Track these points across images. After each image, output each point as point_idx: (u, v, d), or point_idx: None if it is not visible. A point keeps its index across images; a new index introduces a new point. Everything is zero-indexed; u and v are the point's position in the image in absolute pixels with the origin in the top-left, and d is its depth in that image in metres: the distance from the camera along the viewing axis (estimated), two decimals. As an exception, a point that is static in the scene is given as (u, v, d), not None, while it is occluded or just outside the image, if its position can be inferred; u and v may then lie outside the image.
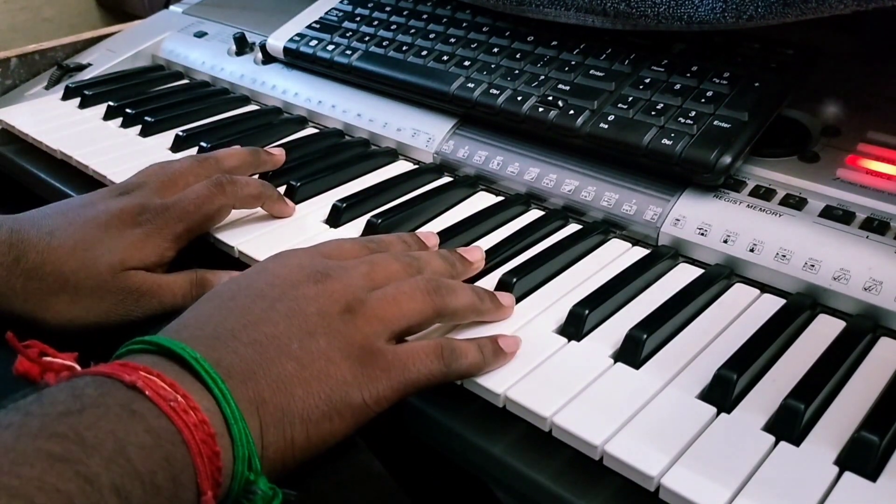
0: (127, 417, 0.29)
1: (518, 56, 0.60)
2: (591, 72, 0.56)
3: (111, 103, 0.74)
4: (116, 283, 0.46)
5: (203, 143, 0.64)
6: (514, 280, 0.44)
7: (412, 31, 0.68)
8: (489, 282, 0.46)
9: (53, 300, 0.45)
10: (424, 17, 0.69)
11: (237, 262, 0.51)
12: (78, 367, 0.33)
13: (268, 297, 0.37)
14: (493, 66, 0.61)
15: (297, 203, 0.56)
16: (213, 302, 0.37)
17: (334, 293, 0.37)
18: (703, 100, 0.51)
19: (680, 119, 0.50)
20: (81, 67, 0.85)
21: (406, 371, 0.36)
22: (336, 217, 0.54)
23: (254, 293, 0.37)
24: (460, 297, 0.41)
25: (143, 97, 0.76)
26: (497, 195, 0.57)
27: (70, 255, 0.46)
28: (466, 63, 0.62)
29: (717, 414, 0.36)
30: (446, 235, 0.50)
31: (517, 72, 0.59)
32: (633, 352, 0.39)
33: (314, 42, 0.72)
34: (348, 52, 0.69)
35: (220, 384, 0.32)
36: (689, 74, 0.53)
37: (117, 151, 0.66)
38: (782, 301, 0.44)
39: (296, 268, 0.39)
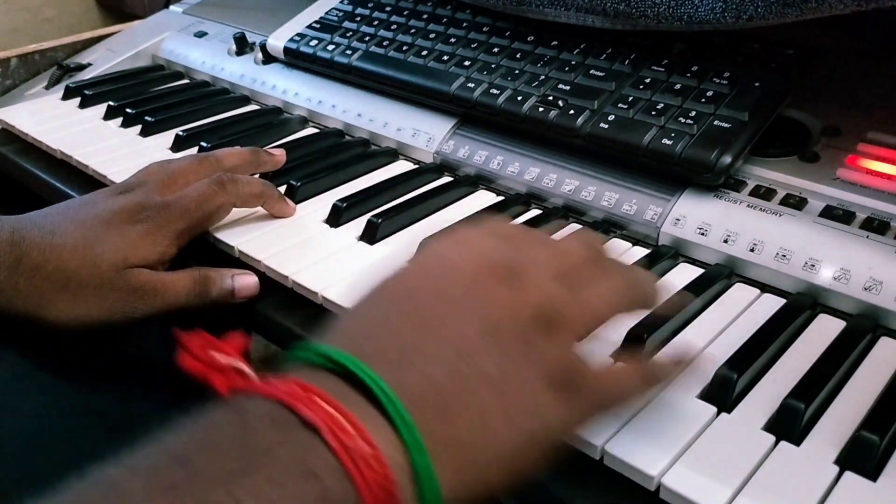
0: (300, 479, 0.24)
1: (518, 56, 0.60)
2: (592, 72, 0.56)
3: (111, 103, 0.74)
4: (119, 281, 0.46)
5: (203, 143, 0.64)
6: None
7: (412, 30, 0.68)
8: (489, 281, 0.46)
9: (56, 298, 0.45)
10: (425, 17, 0.69)
11: (237, 262, 0.51)
12: (248, 370, 0.29)
13: (450, 298, 0.31)
14: (493, 66, 0.61)
15: (297, 203, 0.56)
16: (386, 302, 0.32)
17: (528, 297, 0.31)
18: (703, 100, 0.51)
19: (680, 119, 0.50)
20: (81, 67, 0.85)
21: (605, 396, 0.32)
22: (336, 217, 0.54)
23: (432, 290, 0.31)
24: (656, 293, 0.38)
25: (143, 97, 0.76)
26: (497, 195, 0.57)
27: (72, 253, 0.45)
28: (467, 63, 0.62)
29: (718, 413, 0.36)
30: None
31: (517, 72, 0.59)
32: (633, 352, 0.39)
33: (314, 42, 0.72)
34: (348, 51, 0.69)
35: (413, 432, 0.26)
36: (689, 74, 0.53)
37: (117, 151, 0.66)
38: (782, 301, 0.44)
39: (476, 256, 0.33)
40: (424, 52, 0.65)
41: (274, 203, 0.54)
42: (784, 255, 0.44)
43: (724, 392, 0.36)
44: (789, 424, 0.34)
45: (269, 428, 0.25)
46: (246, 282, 0.49)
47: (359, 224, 0.53)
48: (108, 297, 0.46)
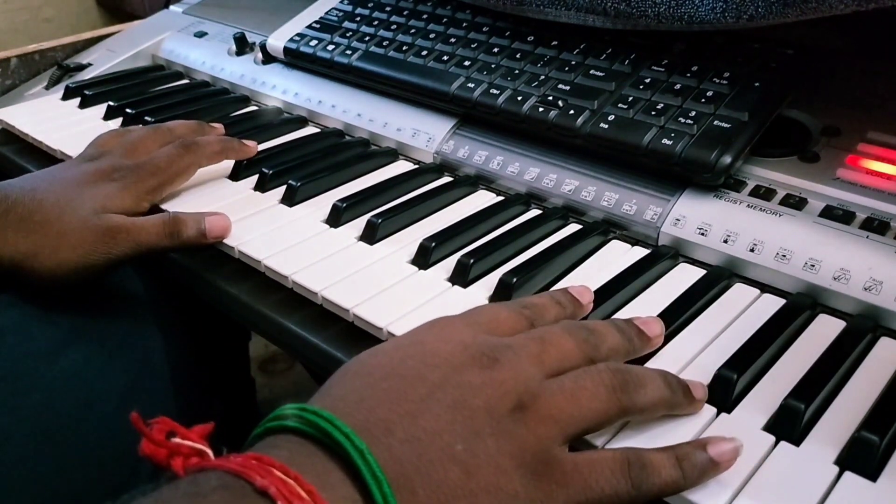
0: None
1: (518, 56, 0.60)
2: (592, 72, 0.56)
3: (111, 103, 0.74)
4: (97, 223, 0.50)
5: (203, 143, 0.64)
6: (514, 280, 0.44)
7: (412, 31, 0.68)
8: (489, 282, 0.46)
9: (41, 246, 0.49)
10: (424, 17, 0.69)
11: (237, 262, 0.51)
12: (209, 452, 0.28)
13: (427, 382, 0.31)
14: (493, 66, 0.61)
15: (296, 203, 0.56)
16: (361, 379, 0.32)
17: (504, 383, 0.31)
18: (703, 100, 0.51)
19: (680, 119, 0.50)
20: (81, 67, 0.85)
21: (587, 489, 0.30)
22: (336, 217, 0.54)
23: (411, 374, 0.31)
24: (649, 392, 0.34)
25: (143, 97, 0.76)
26: (497, 195, 0.57)
27: (54, 206, 0.50)
28: (466, 63, 0.62)
29: (718, 414, 0.36)
30: (446, 235, 0.50)
31: (517, 72, 0.59)
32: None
33: (314, 42, 0.72)
34: (348, 51, 0.69)
35: (384, 488, 0.27)
36: (689, 74, 0.53)
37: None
38: (782, 301, 0.44)
39: (458, 346, 0.33)
40: (424, 52, 0.65)
41: (237, 152, 0.60)
42: (784, 255, 0.44)
43: (724, 392, 0.36)
44: (789, 424, 0.34)
45: (220, 495, 0.25)
46: (217, 222, 0.51)
47: (359, 224, 0.53)
48: (86, 238, 0.49)
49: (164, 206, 0.56)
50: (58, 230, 0.49)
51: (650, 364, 0.39)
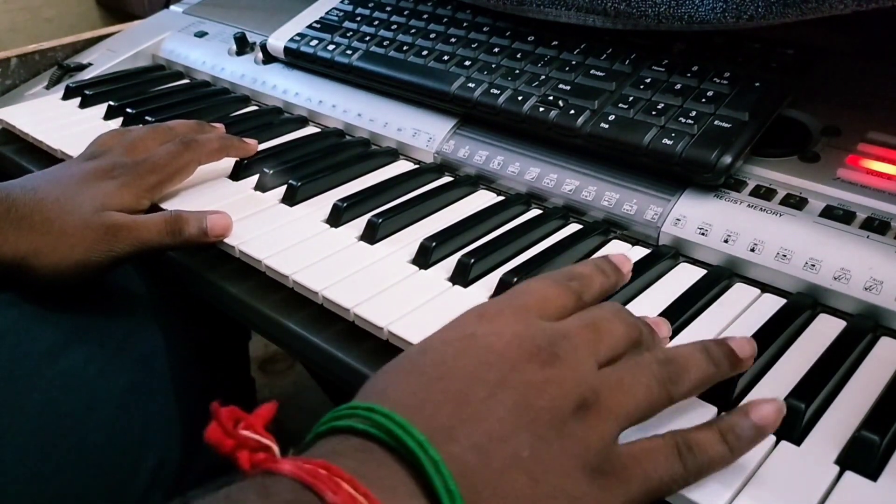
0: None
1: (518, 56, 0.60)
2: (592, 72, 0.56)
3: (112, 103, 0.74)
4: (98, 220, 0.50)
5: (203, 143, 0.64)
6: (515, 280, 0.45)
7: (413, 30, 0.68)
8: (489, 282, 0.46)
9: (42, 244, 0.49)
10: (425, 16, 0.69)
11: (238, 261, 0.51)
12: (276, 449, 0.27)
13: (486, 382, 0.30)
14: (493, 65, 0.61)
15: (297, 203, 0.56)
16: (416, 379, 0.30)
17: (565, 381, 0.30)
18: (703, 100, 0.51)
19: (680, 119, 0.50)
20: (82, 67, 0.85)
21: (647, 479, 0.30)
22: (337, 217, 0.54)
23: (468, 374, 0.30)
24: (693, 375, 0.33)
25: (143, 97, 0.76)
26: (498, 195, 0.57)
27: (54, 204, 0.50)
28: (467, 63, 0.62)
29: (718, 414, 0.36)
30: (446, 235, 0.50)
31: (518, 72, 0.59)
32: (725, 392, 0.39)
33: (315, 42, 0.72)
34: (349, 51, 0.69)
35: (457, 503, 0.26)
36: (689, 74, 0.53)
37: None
38: (783, 301, 0.44)
39: (513, 339, 0.31)
40: (425, 52, 0.65)
41: (237, 149, 0.60)
42: (784, 255, 0.44)
43: (725, 392, 0.36)
44: (790, 424, 0.34)
45: None
46: (218, 221, 0.51)
47: (359, 224, 0.53)
48: (86, 236, 0.49)
49: (164, 206, 0.56)
50: (59, 228, 0.49)
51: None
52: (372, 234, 0.51)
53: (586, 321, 0.34)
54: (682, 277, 0.46)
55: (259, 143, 0.65)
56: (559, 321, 0.34)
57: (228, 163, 0.61)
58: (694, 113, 0.50)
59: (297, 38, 0.73)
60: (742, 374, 0.37)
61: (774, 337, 0.40)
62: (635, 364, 0.33)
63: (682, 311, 0.42)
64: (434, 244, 0.49)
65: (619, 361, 0.33)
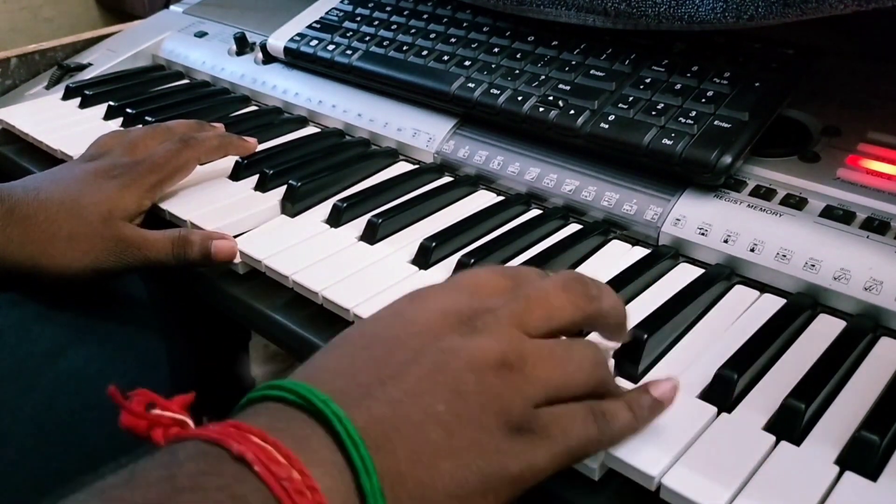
0: None
1: (518, 56, 0.60)
2: (592, 72, 0.56)
3: (112, 103, 0.74)
4: (107, 232, 0.50)
5: (203, 143, 0.64)
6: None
7: (413, 30, 0.68)
8: (490, 281, 0.46)
9: (49, 247, 0.49)
10: (425, 16, 0.69)
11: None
12: (189, 422, 0.28)
13: (408, 348, 0.31)
14: (493, 65, 0.61)
15: (297, 203, 0.56)
16: (342, 349, 0.32)
17: (485, 347, 0.31)
18: (703, 100, 0.51)
19: (680, 119, 0.50)
20: (82, 67, 0.85)
21: (566, 438, 0.31)
22: (336, 217, 0.54)
23: (391, 342, 0.31)
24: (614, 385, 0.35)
25: (143, 97, 0.76)
26: (497, 195, 0.57)
27: (59, 206, 0.50)
28: (467, 63, 0.62)
29: (718, 413, 0.36)
30: (446, 235, 0.50)
31: (517, 72, 0.59)
32: (634, 352, 0.39)
33: (315, 42, 0.72)
34: (349, 51, 0.69)
35: (361, 451, 0.27)
36: (689, 74, 0.53)
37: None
38: (783, 301, 0.44)
39: (438, 313, 0.32)
40: (425, 52, 0.65)
41: (236, 147, 0.60)
42: (784, 255, 0.44)
43: (724, 392, 0.36)
44: (790, 424, 0.34)
45: (196, 462, 0.25)
46: (224, 246, 0.51)
47: (359, 224, 0.53)
48: (97, 245, 0.50)
49: (165, 206, 0.56)
50: (67, 233, 0.49)
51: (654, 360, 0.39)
52: (372, 235, 0.51)
53: (518, 295, 0.34)
54: (682, 277, 0.46)
55: (259, 143, 0.65)
56: (491, 299, 0.34)
57: (228, 163, 0.61)
58: (694, 113, 0.50)
59: (297, 38, 0.73)
60: (739, 376, 0.37)
61: (774, 337, 0.40)
62: (573, 341, 0.33)
63: (679, 310, 0.42)
64: (434, 244, 0.49)
65: (541, 322, 0.33)
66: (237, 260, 0.51)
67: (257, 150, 0.63)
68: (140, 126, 0.63)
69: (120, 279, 0.58)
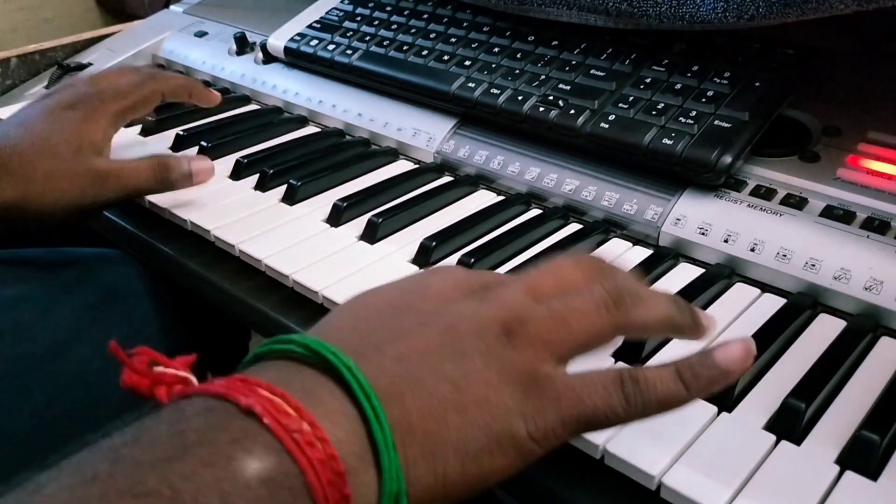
0: (238, 459, 0.24)
1: (519, 56, 0.60)
2: (592, 71, 0.56)
3: (111, 103, 0.74)
4: (82, 166, 0.50)
5: (203, 143, 0.64)
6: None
7: (413, 30, 0.68)
8: (490, 281, 0.46)
9: (30, 187, 0.49)
10: (425, 16, 0.69)
11: (237, 260, 0.51)
12: (193, 379, 0.28)
13: (419, 311, 0.31)
14: (493, 65, 0.61)
15: (297, 202, 0.56)
16: (355, 312, 0.32)
17: (491, 311, 0.31)
18: (703, 99, 0.51)
19: (681, 119, 0.50)
20: (81, 67, 0.85)
21: (579, 403, 0.30)
22: (336, 216, 0.54)
23: (404, 306, 0.32)
24: (651, 308, 0.32)
25: (143, 97, 0.76)
26: (498, 194, 0.57)
27: (30, 148, 0.50)
28: (467, 63, 0.62)
29: (719, 413, 0.36)
30: (446, 235, 0.50)
31: (518, 71, 0.59)
32: (633, 352, 0.39)
33: (315, 42, 0.72)
34: (349, 51, 0.69)
35: (373, 401, 0.26)
36: (689, 74, 0.53)
37: (118, 151, 0.65)
38: (783, 300, 0.44)
39: (451, 282, 0.33)
40: (425, 52, 0.65)
41: (199, 94, 0.61)
42: (784, 255, 0.44)
43: (724, 392, 0.36)
44: (790, 424, 0.34)
45: (204, 417, 0.25)
46: (202, 166, 0.53)
47: (359, 224, 0.53)
48: (75, 181, 0.50)
49: (164, 206, 0.56)
50: (44, 173, 0.49)
51: (654, 360, 0.39)
52: (372, 234, 0.51)
53: (532, 270, 0.34)
54: (682, 277, 0.46)
55: (259, 142, 0.66)
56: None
57: (229, 163, 0.61)
58: (694, 113, 0.50)
59: (297, 37, 0.73)
60: (745, 373, 0.37)
61: (774, 337, 0.40)
62: (574, 293, 0.32)
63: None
64: (434, 244, 0.49)
65: (556, 293, 0.33)
66: (236, 248, 0.51)
67: (259, 148, 0.63)
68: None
69: (119, 279, 0.58)
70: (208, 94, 0.62)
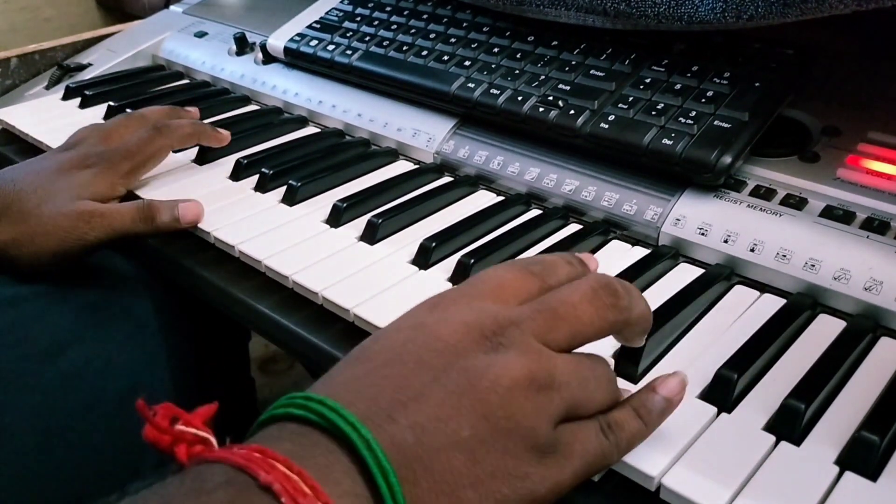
0: None
1: (518, 56, 0.60)
2: (592, 72, 0.56)
3: (112, 103, 0.74)
4: (71, 208, 0.52)
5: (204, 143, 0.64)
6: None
7: (412, 31, 0.68)
8: (490, 282, 0.46)
9: (20, 234, 0.51)
10: (425, 17, 0.69)
11: (237, 261, 0.51)
12: (213, 441, 0.28)
13: (431, 367, 0.30)
14: (493, 66, 0.61)
15: (297, 203, 0.56)
16: (363, 366, 0.31)
17: (511, 364, 0.30)
18: (703, 100, 0.51)
19: (680, 119, 0.50)
20: (82, 67, 0.85)
21: (585, 454, 0.31)
22: (336, 217, 0.54)
23: (413, 360, 0.30)
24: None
25: (143, 97, 0.76)
26: (497, 195, 0.57)
27: (32, 195, 0.52)
28: (467, 63, 0.62)
29: (718, 414, 0.36)
30: (446, 235, 0.50)
31: (517, 72, 0.59)
32: (634, 353, 0.39)
33: (314, 42, 0.72)
34: (349, 51, 0.69)
35: (391, 479, 0.26)
36: (689, 74, 0.53)
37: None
38: (783, 301, 0.44)
39: (461, 327, 0.31)
40: (425, 52, 0.65)
41: (208, 137, 0.62)
42: (784, 255, 0.44)
43: (724, 392, 0.36)
44: (790, 424, 0.34)
45: (224, 491, 0.25)
46: (190, 209, 0.53)
47: (359, 224, 0.53)
48: (60, 224, 0.51)
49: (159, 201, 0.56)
50: (35, 218, 0.51)
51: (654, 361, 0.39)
52: (372, 235, 0.51)
53: (544, 306, 0.32)
54: (682, 277, 0.46)
55: (259, 143, 0.66)
56: (516, 307, 0.33)
57: (229, 164, 0.61)
58: (694, 113, 0.50)
59: (297, 38, 0.73)
60: (739, 376, 0.37)
61: (774, 337, 0.40)
62: (595, 361, 0.33)
63: (679, 310, 0.42)
64: (434, 244, 0.49)
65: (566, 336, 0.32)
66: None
67: (259, 149, 0.63)
68: (116, 116, 0.64)
69: (119, 279, 0.58)
70: (218, 136, 0.63)
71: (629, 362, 0.39)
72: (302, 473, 0.25)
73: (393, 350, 0.31)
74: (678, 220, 0.49)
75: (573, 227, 0.52)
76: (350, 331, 0.44)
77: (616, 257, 0.49)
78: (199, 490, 0.25)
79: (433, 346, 0.30)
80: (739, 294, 0.45)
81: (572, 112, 0.54)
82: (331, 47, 0.70)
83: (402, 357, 0.30)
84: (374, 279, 0.47)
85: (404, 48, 0.66)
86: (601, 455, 0.31)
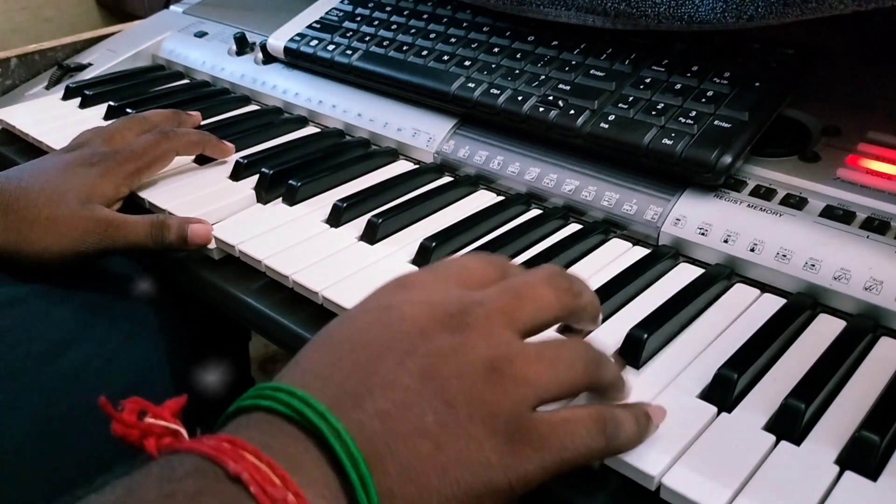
0: None
1: (518, 56, 0.60)
2: (592, 72, 0.56)
3: (112, 103, 0.74)
4: (86, 213, 0.51)
5: (203, 143, 0.64)
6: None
7: (413, 30, 0.68)
8: (490, 281, 0.46)
9: (30, 230, 0.51)
10: (425, 16, 0.69)
11: (238, 261, 0.51)
12: (183, 432, 0.28)
13: (395, 351, 0.30)
14: (493, 65, 0.61)
15: (296, 203, 0.56)
16: (329, 351, 0.31)
17: (475, 347, 0.30)
18: (703, 100, 0.51)
19: (680, 119, 0.50)
20: (82, 67, 0.85)
21: (563, 449, 0.30)
22: (337, 217, 0.54)
23: (379, 344, 0.30)
24: (612, 371, 0.34)
25: (143, 97, 0.76)
26: (497, 195, 0.57)
27: (40, 193, 0.52)
28: (467, 63, 0.62)
29: (718, 413, 0.36)
30: (446, 235, 0.50)
31: (517, 72, 0.59)
32: (633, 352, 0.39)
33: (315, 42, 0.72)
34: (349, 51, 0.69)
35: (361, 469, 0.26)
36: (689, 74, 0.53)
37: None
38: (783, 301, 0.44)
39: (426, 307, 0.31)
40: (425, 52, 0.65)
41: (214, 147, 0.62)
42: (784, 255, 0.44)
43: (724, 392, 0.36)
44: (790, 424, 0.34)
45: (194, 480, 0.25)
46: (199, 230, 0.52)
47: (359, 224, 0.53)
48: (76, 227, 0.51)
49: (164, 206, 0.56)
50: (47, 217, 0.51)
51: (654, 360, 0.39)
52: (372, 234, 0.51)
53: (507, 288, 0.33)
54: (682, 277, 0.46)
55: (259, 143, 0.66)
56: (479, 290, 0.33)
57: (229, 164, 0.61)
58: (694, 113, 0.50)
59: (297, 38, 0.73)
60: (739, 376, 0.37)
61: (774, 337, 0.40)
62: (562, 341, 0.33)
63: (679, 309, 0.42)
64: (434, 244, 0.49)
65: (534, 323, 0.33)
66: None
67: (259, 149, 0.63)
68: (118, 118, 0.64)
69: (119, 279, 0.58)
70: (223, 148, 0.62)
71: (629, 362, 0.39)
72: (271, 463, 0.26)
73: (359, 334, 0.31)
74: (678, 219, 0.49)
75: (573, 227, 0.52)
76: (350, 331, 0.44)
77: (616, 257, 0.49)
78: (168, 479, 0.25)
79: (399, 328, 0.31)
80: (739, 294, 0.45)
81: (572, 112, 0.54)
82: (331, 47, 0.70)
83: (367, 342, 0.30)
84: (375, 279, 0.46)
85: (404, 48, 0.66)
86: (587, 451, 0.31)
